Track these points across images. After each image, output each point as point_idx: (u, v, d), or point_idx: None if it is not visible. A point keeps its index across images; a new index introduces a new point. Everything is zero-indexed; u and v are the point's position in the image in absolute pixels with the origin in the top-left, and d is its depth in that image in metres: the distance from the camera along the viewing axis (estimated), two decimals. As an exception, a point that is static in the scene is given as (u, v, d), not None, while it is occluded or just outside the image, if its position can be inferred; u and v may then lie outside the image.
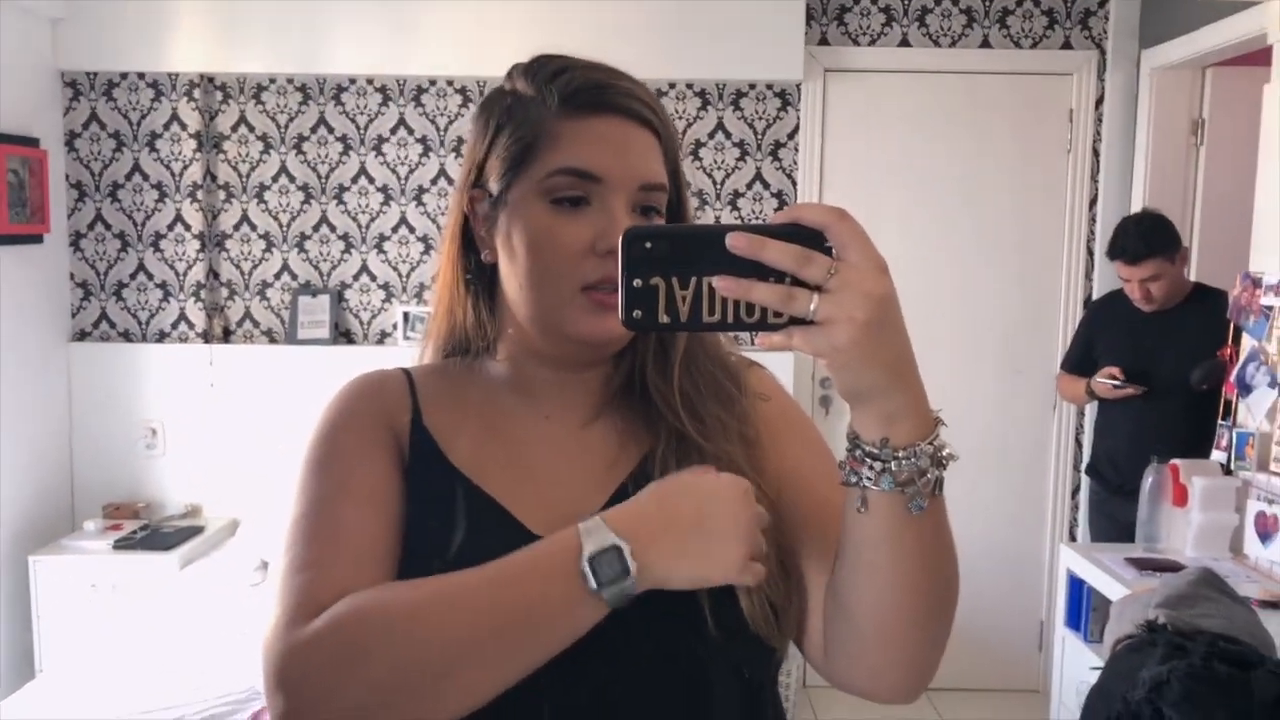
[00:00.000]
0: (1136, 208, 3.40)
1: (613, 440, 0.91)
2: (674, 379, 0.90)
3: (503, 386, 0.94)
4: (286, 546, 0.83)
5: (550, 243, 0.85)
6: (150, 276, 3.68)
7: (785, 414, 0.94)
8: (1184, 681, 1.51)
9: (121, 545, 3.32)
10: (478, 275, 0.94)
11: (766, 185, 3.70)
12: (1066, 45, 3.64)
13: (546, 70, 0.89)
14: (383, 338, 3.74)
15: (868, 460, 0.69)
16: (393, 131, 3.66)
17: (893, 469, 0.68)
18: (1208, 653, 1.58)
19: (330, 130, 3.66)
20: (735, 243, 0.64)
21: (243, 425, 3.64)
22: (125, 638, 2.76)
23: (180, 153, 3.61)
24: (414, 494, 0.88)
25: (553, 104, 0.86)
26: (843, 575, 0.77)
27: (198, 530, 3.50)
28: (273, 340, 3.73)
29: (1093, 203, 3.68)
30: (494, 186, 0.89)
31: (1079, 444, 3.74)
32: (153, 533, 3.43)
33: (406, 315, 3.70)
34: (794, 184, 3.69)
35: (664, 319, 0.67)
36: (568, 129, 0.85)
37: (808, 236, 0.65)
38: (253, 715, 1.91)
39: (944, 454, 0.70)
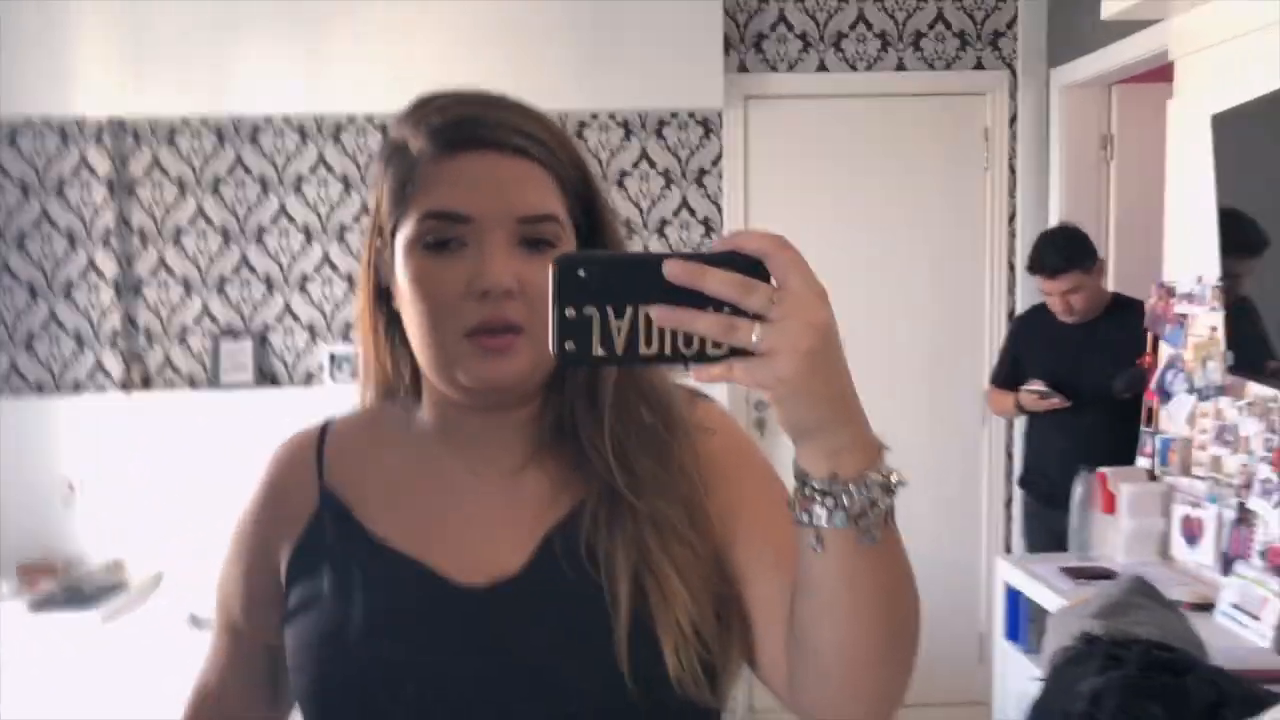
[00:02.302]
0: (1053, 222, 3.47)
1: (544, 488, 0.88)
2: (604, 424, 0.86)
3: (430, 434, 0.91)
4: None
5: (428, 290, 0.83)
6: (62, 326, 3.56)
7: (735, 449, 0.90)
8: (1121, 692, 1.52)
9: (39, 605, 3.18)
10: (392, 322, 0.91)
11: (693, 212, 3.71)
12: (979, 66, 3.72)
13: (420, 111, 0.87)
14: (309, 379, 3.66)
15: (818, 497, 0.67)
16: (312, 170, 3.60)
17: (844, 503, 0.66)
18: (1143, 661, 1.60)
19: (248, 171, 3.58)
20: (673, 270, 0.61)
21: (166, 474, 3.52)
22: (45, 700, 2.63)
23: (91, 199, 3.51)
24: (319, 559, 0.89)
25: (421, 145, 0.84)
26: (801, 613, 0.75)
27: (120, 586, 3.37)
28: (194, 386, 3.62)
29: (1011, 218, 3.75)
30: (387, 235, 0.87)
31: (1010, 456, 3.79)
32: (72, 590, 3.29)
33: (333, 356, 3.63)
34: (720, 210, 3.71)
35: (599, 352, 0.63)
36: (435, 170, 0.83)
37: (747, 265, 0.63)
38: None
39: (893, 481, 0.68)
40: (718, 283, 0.61)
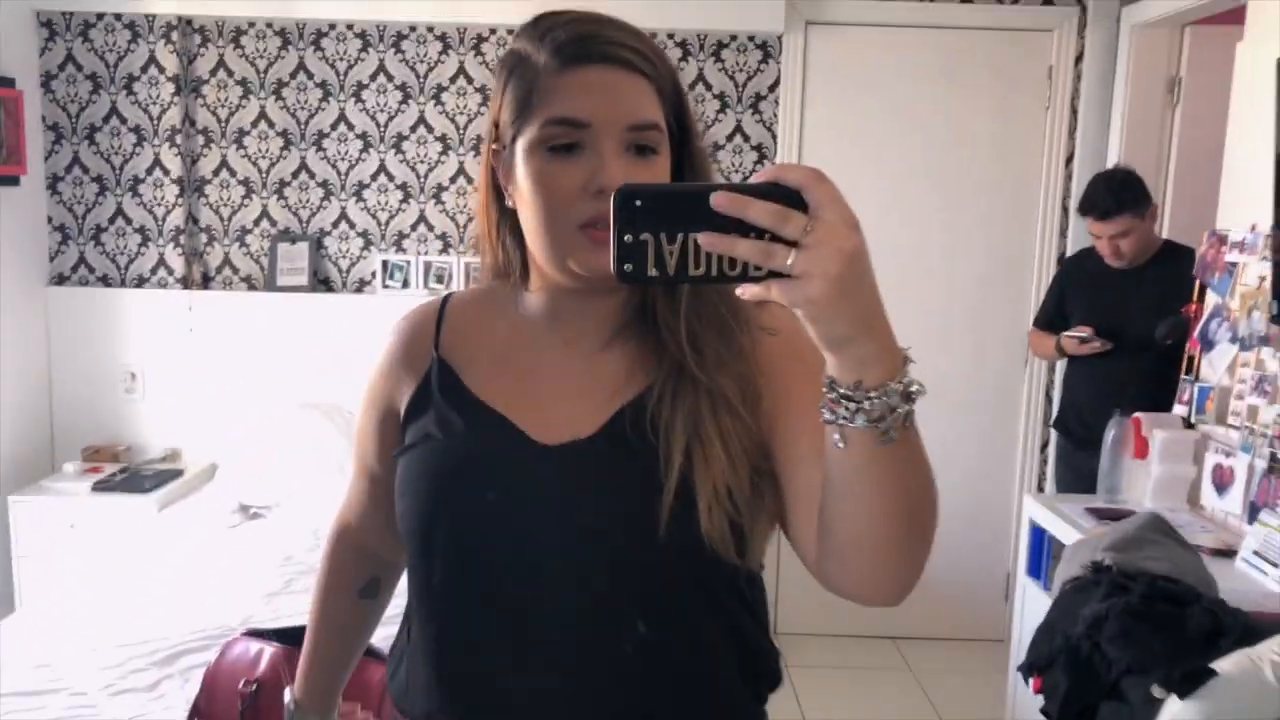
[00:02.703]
0: (1111, 165, 3.42)
1: (622, 367, 1.01)
2: (680, 311, 0.98)
3: (534, 312, 1.05)
4: None
5: (548, 187, 0.93)
6: (129, 221, 3.68)
7: (792, 347, 0.98)
8: (1120, 618, 1.56)
9: (100, 487, 3.35)
10: (506, 217, 1.03)
11: (746, 138, 3.70)
12: (1048, 1, 3.63)
13: (540, 27, 0.96)
14: (361, 286, 3.75)
15: (844, 401, 0.74)
16: (372, 78, 3.64)
17: (866, 407, 0.74)
18: (1147, 592, 1.64)
19: (310, 76, 3.64)
20: (719, 201, 0.68)
21: (222, 371, 3.66)
22: (105, 576, 2.80)
23: (158, 96, 3.60)
24: (429, 413, 1.04)
25: (545, 59, 0.94)
26: (828, 500, 0.84)
27: (176, 474, 3.53)
28: (252, 287, 3.74)
29: (1069, 160, 3.69)
30: (506, 139, 0.98)
31: (1049, 399, 3.79)
32: (131, 475, 3.46)
33: (385, 264, 3.71)
34: (774, 137, 3.70)
35: (652, 272, 0.71)
36: (558, 81, 0.93)
37: (786, 195, 0.69)
38: (223, 645, 1.96)
39: (912, 390, 0.75)
40: (758, 212, 0.68)
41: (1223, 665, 1.43)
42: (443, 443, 1.01)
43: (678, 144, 0.98)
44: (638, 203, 0.70)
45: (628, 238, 0.70)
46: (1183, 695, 1.42)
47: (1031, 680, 1.83)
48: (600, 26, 0.95)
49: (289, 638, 1.92)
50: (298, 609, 2.55)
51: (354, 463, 1.20)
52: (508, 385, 1.03)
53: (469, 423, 1.01)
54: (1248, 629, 1.53)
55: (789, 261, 0.68)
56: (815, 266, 0.68)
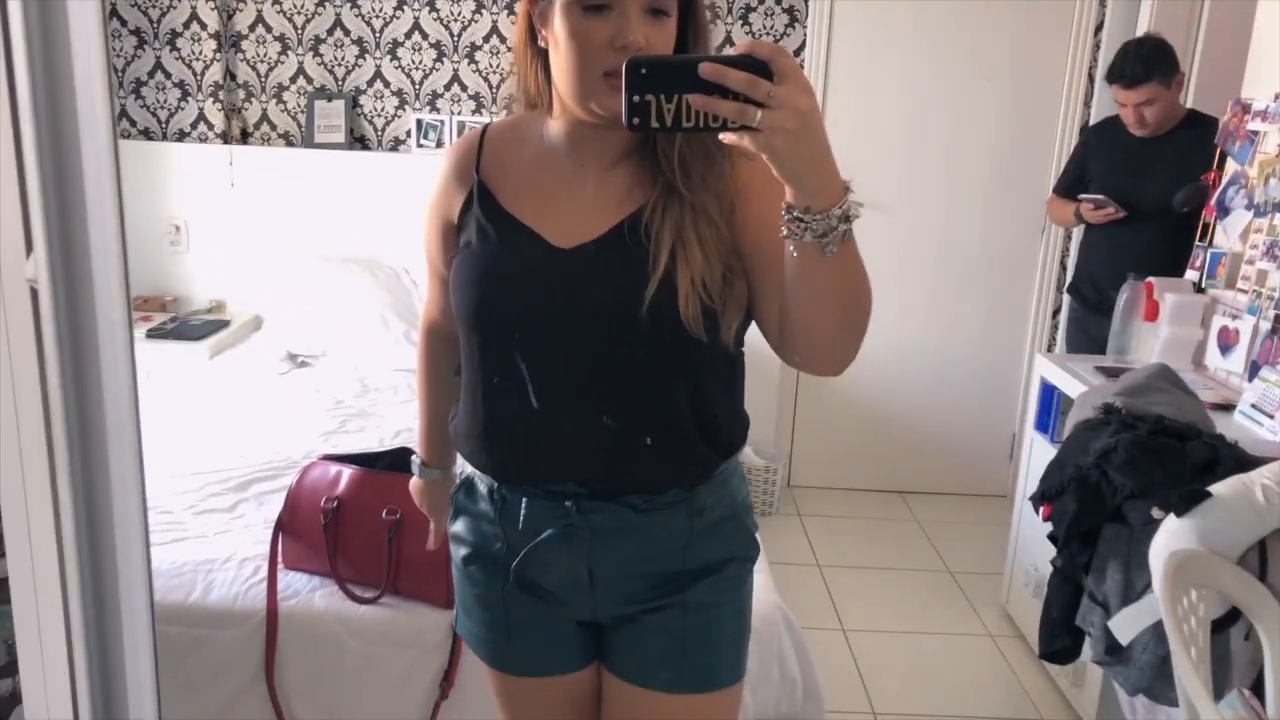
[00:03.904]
0: (1141, 33, 3.44)
1: (624, 184, 1.24)
2: (676, 140, 1.20)
3: (556, 139, 1.27)
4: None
5: (580, 39, 1.14)
6: (168, 75, 3.74)
7: (766, 173, 1.14)
8: (1129, 449, 1.72)
9: (154, 334, 3.51)
10: (539, 56, 1.24)
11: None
12: None
13: None
14: (396, 145, 3.83)
15: (797, 221, 0.98)
16: (406, -67, 3.65)
17: (813, 226, 0.97)
18: (1153, 429, 1.79)
19: (344, -70, 3.64)
20: (705, 70, 0.88)
21: (263, 225, 3.78)
22: (170, 416, 2.97)
23: (194, -52, 3.61)
24: (472, 223, 1.28)
25: None
26: (787, 295, 1.10)
27: (224, 324, 3.69)
28: (290, 143, 3.82)
29: (1099, 28, 3.72)
30: None
31: (1064, 267, 3.91)
32: (181, 324, 3.62)
33: (420, 123, 3.78)
34: None
35: (654, 124, 0.91)
36: None
37: (757, 66, 0.89)
38: (303, 468, 2.14)
39: (850, 214, 0.98)
40: (735, 79, 0.89)
41: (1218, 488, 1.59)
42: (482, 249, 1.26)
43: (684, 9, 1.18)
44: (643, 70, 0.90)
45: (635, 98, 0.90)
46: (1179, 514, 1.59)
47: (1041, 509, 2.01)
48: None
49: (363, 461, 2.11)
50: (355, 445, 2.74)
51: (428, 269, 1.44)
52: (533, 200, 1.26)
53: (501, 233, 1.25)
54: (1241, 459, 1.69)
55: (758, 118, 0.89)
56: (777, 121, 0.89)
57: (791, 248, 1.00)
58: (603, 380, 1.24)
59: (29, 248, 0.65)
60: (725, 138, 0.92)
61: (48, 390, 0.62)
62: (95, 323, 0.63)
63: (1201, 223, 2.96)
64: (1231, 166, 2.85)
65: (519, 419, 1.26)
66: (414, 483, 1.59)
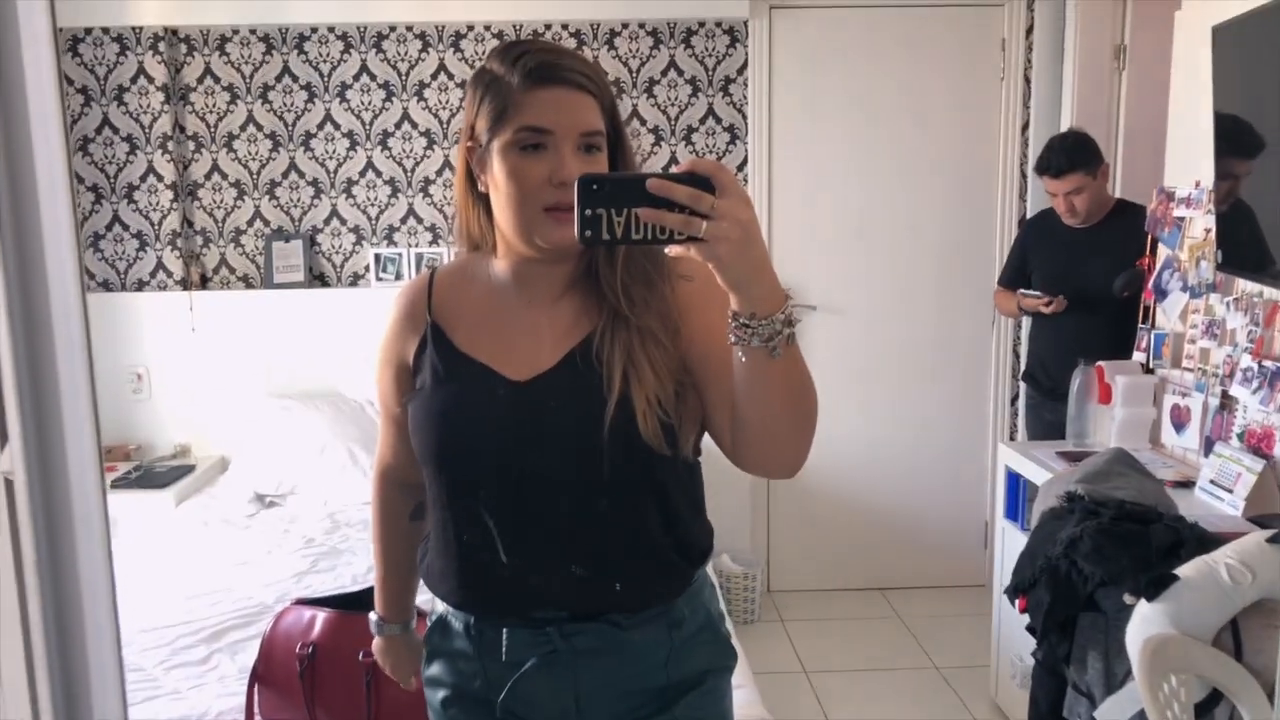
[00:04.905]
0: (1064, 129, 3.61)
1: (572, 315, 1.29)
2: (616, 269, 1.26)
3: (502, 277, 1.33)
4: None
5: (519, 178, 1.20)
6: (126, 227, 3.79)
7: (703, 291, 1.22)
8: (1094, 537, 1.75)
9: (118, 485, 3.48)
10: (479, 200, 1.31)
11: (719, 120, 3.87)
12: (998, -24, 3.82)
13: (513, 54, 1.23)
14: (355, 279, 3.89)
15: (743, 327, 1.03)
16: (355, 78, 3.77)
17: (759, 331, 1.03)
18: (1115, 514, 1.83)
19: (295, 79, 3.76)
20: (653, 185, 0.95)
21: (226, 367, 3.79)
22: (135, 568, 2.93)
23: (149, 105, 3.70)
24: (427, 365, 1.32)
25: (517, 80, 1.20)
26: (737, 401, 1.14)
27: (189, 469, 3.66)
28: (249, 285, 3.86)
29: (1025, 127, 3.90)
30: (482, 139, 1.25)
31: (1017, 355, 4.00)
32: (146, 472, 3.59)
33: (378, 257, 3.85)
34: (744, 118, 3.87)
35: (605, 237, 0.97)
36: (527, 98, 1.20)
37: (700, 181, 0.95)
38: (276, 614, 2.11)
39: (793, 319, 1.05)
40: (680, 194, 0.95)
41: (1184, 571, 1.62)
42: (441, 389, 1.29)
43: (612, 142, 1.25)
44: (594, 187, 0.96)
45: (588, 212, 0.96)
46: (1150, 599, 1.61)
47: (1017, 601, 2.02)
48: (559, 56, 1.22)
49: (337, 603, 2.08)
50: (328, 585, 2.71)
51: (381, 413, 1.47)
52: (486, 338, 1.30)
53: (458, 371, 1.29)
54: (1204, 539, 1.73)
55: (703, 229, 0.95)
56: (721, 232, 0.96)
57: (740, 354, 1.06)
58: (570, 522, 1.26)
59: (3, 439, 0.66)
60: (673, 250, 0.98)
61: (25, 589, 0.63)
62: (71, 513, 0.64)
63: (1142, 305, 3.07)
64: (1164, 251, 2.97)
65: (490, 570, 1.28)
66: (376, 643, 1.58)
